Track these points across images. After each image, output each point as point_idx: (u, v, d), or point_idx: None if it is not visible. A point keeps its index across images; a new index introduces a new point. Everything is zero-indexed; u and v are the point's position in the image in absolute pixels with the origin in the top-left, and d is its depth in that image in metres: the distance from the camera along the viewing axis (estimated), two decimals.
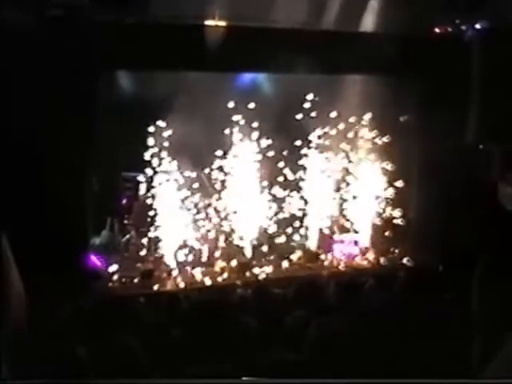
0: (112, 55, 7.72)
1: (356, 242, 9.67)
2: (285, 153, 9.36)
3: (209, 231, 9.11)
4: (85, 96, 7.55)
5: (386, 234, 9.75)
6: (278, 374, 3.06)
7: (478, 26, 8.95)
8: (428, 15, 8.91)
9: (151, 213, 8.75)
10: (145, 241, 8.81)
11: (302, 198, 9.59)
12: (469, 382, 1.42)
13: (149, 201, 8.81)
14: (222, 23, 8.24)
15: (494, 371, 1.19)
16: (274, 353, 3.54)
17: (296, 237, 9.55)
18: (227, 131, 9.05)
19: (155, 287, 8.23)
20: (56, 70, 7.12)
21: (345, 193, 9.86)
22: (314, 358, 3.32)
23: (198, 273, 8.57)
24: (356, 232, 9.82)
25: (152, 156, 8.70)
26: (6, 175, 6.47)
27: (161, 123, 8.60)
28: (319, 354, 3.36)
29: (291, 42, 8.29)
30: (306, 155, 9.58)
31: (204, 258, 8.86)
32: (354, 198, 9.84)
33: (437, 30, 9.28)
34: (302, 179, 9.58)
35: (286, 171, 9.45)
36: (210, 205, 9.22)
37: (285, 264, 9.08)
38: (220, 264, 8.83)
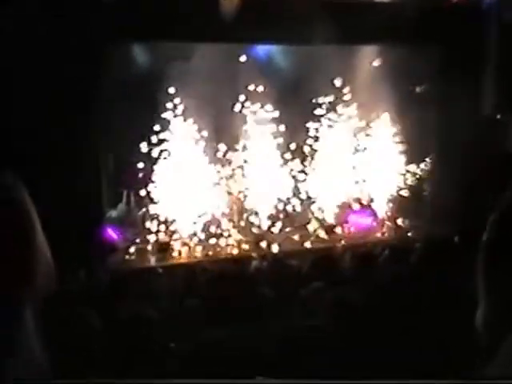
0: (120, 27, 7.63)
1: (372, 214, 9.67)
2: (300, 125, 9.32)
3: (225, 203, 9.13)
4: (96, 69, 7.51)
5: (402, 205, 9.71)
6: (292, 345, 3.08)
7: None
8: None
9: (167, 185, 8.76)
10: (161, 213, 8.82)
11: (318, 170, 9.56)
12: (469, 382, 1.41)
13: (164, 173, 8.82)
14: None
15: (497, 369, 1.18)
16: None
17: (312, 209, 9.55)
18: (242, 103, 9.02)
19: (171, 259, 8.28)
20: (65, 44, 7.08)
21: (360, 165, 9.80)
22: (329, 327, 3.33)
23: (214, 245, 8.61)
24: (372, 205, 9.80)
25: (167, 129, 8.71)
26: (21, 150, 6.50)
27: (174, 95, 8.59)
28: (334, 324, 3.37)
29: (304, 11, 8.17)
30: (321, 127, 9.53)
31: (220, 230, 8.89)
32: (370, 170, 9.79)
33: None
34: (317, 151, 9.54)
35: (301, 143, 9.42)
36: (225, 176, 9.24)
37: (301, 236, 9.09)
38: (236, 236, 8.86)
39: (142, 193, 8.92)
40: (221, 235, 8.81)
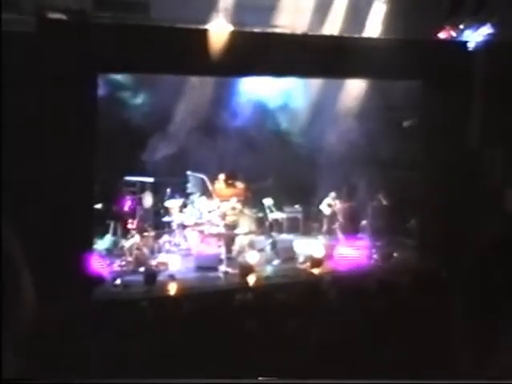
0: (113, 59, 7.66)
1: (359, 247, 9.65)
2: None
3: (211, 235, 9.14)
4: (85, 99, 7.52)
5: (390, 237, 9.70)
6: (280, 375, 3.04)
7: (481, 32, 8.96)
8: (432, 21, 8.94)
9: (155, 217, 8.80)
10: (148, 245, 8.81)
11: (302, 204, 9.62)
12: (469, 382, 1.41)
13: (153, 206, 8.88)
14: (226, 28, 8.21)
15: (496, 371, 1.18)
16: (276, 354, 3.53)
17: (300, 241, 9.55)
18: (225, 132, 9.15)
19: (158, 291, 8.19)
20: (58, 73, 7.09)
21: (348, 197, 9.85)
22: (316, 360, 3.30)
23: (200, 277, 8.56)
24: (360, 236, 9.80)
25: (156, 160, 8.81)
26: (10, 180, 6.47)
27: (162, 127, 8.71)
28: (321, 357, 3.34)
29: (298, 46, 8.27)
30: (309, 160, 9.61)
31: (208, 263, 8.85)
32: (357, 200, 9.82)
33: (441, 36, 9.26)
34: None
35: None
36: (212, 209, 9.30)
37: (288, 268, 9.06)
38: (223, 268, 8.81)
39: (129, 224, 8.90)
40: (208, 268, 8.76)
